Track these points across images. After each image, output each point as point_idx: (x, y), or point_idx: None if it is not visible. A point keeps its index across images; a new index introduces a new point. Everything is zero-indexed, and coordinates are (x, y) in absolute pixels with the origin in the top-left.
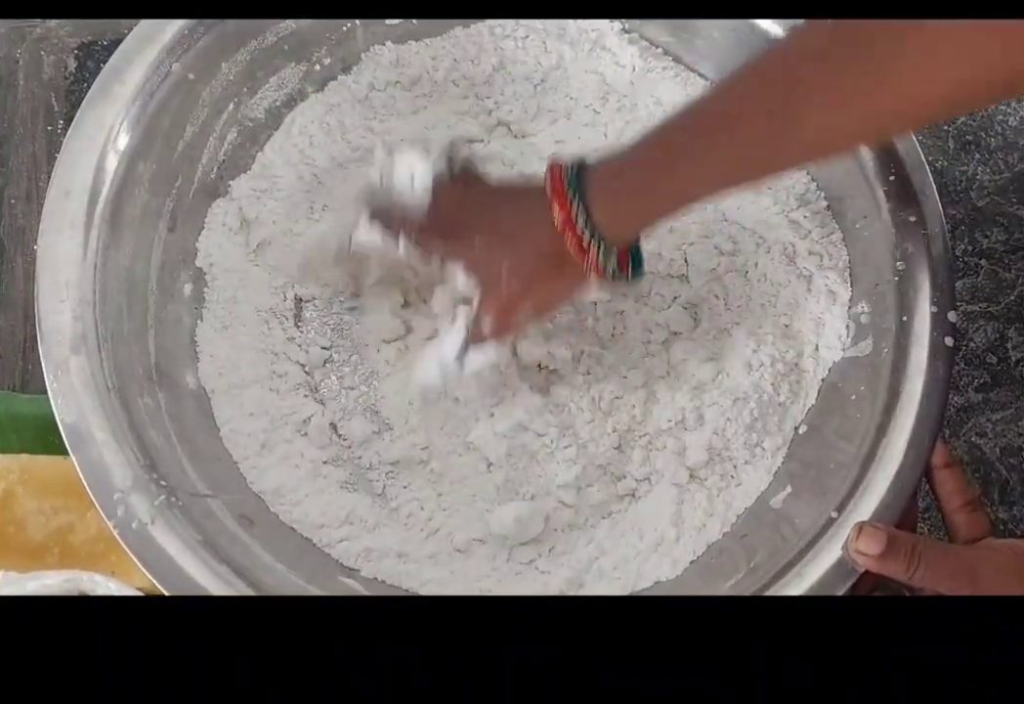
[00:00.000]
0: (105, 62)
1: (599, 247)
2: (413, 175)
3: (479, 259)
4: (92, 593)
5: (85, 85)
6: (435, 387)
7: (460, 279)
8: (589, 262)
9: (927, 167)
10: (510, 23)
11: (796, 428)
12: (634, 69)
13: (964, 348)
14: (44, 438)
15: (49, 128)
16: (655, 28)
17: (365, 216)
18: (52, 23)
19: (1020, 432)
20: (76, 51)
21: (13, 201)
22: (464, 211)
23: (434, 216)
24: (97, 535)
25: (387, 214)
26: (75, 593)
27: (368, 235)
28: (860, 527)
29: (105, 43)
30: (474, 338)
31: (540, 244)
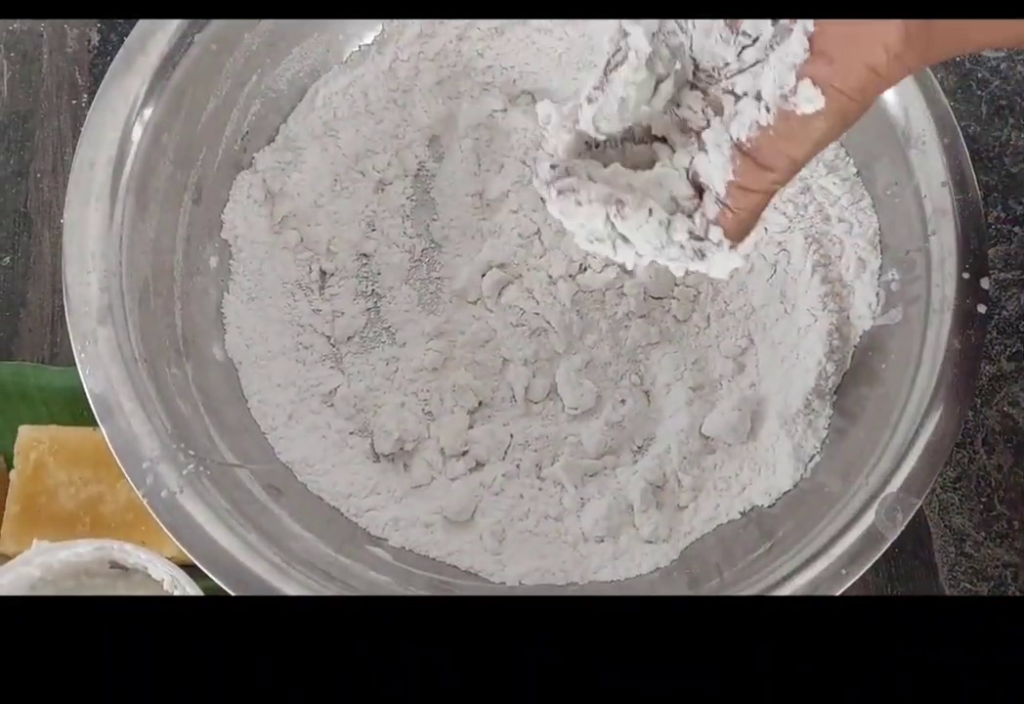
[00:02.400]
0: (128, 35)
1: None
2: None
3: None
4: (123, 562)
5: (108, 58)
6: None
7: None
8: None
9: (959, 131)
10: None
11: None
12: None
13: (997, 316)
14: (73, 409)
15: (73, 102)
16: None
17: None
18: None
19: None
20: (99, 24)
21: (39, 175)
22: None
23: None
24: (127, 505)
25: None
26: (106, 562)
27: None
28: None
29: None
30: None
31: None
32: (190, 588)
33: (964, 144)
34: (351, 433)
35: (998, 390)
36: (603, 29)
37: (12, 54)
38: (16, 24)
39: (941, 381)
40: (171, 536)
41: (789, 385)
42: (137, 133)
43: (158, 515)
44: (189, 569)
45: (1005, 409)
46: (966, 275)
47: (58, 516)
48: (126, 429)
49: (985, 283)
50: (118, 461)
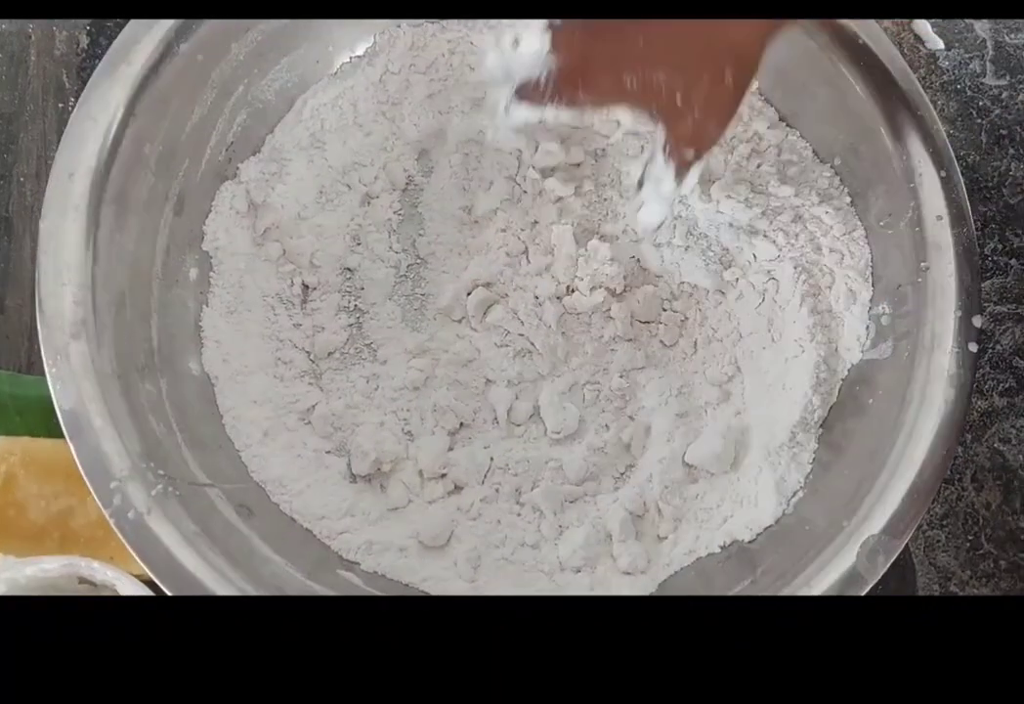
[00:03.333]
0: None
1: None
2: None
3: (648, 81)
4: (91, 579)
5: (97, 62)
6: (662, 221)
7: (629, 119)
8: None
9: (956, 164)
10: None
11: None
12: None
13: (990, 351)
14: (48, 420)
15: (60, 105)
16: None
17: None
18: None
19: None
20: (88, 27)
21: (22, 179)
22: (602, 42)
23: (565, 62)
24: (97, 520)
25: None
26: (74, 578)
27: (516, 116)
28: None
29: (118, 19)
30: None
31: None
32: None
33: (961, 178)
34: (327, 452)
35: (989, 426)
36: None
37: None
38: (4, 25)
39: (928, 421)
40: (137, 558)
41: (774, 416)
42: (117, 143)
43: (124, 536)
44: (158, 587)
45: (996, 446)
46: (958, 313)
47: (27, 530)
48: (95, 447)
49: (977, 321)
50: (86, 480)
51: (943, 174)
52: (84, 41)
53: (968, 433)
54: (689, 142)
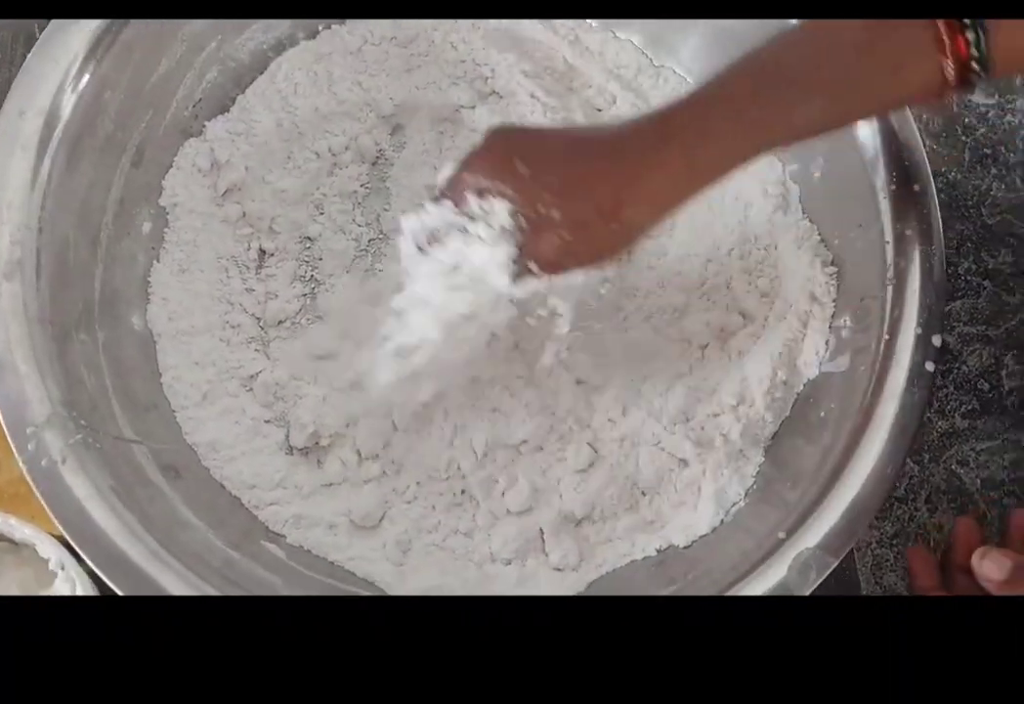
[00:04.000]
0: None
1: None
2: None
3: (530, 199)
4: (9, 536)
5: None
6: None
7: (505, 219)
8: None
9: (933, 180)
10: None
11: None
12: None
13: (956, 371)
14: None
15: (26, 54)
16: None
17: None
18: None
19: (1005, 465)
20: None
21: None
22: (509, 145)
23: (474, 160)
24: (21, 477)
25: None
26: None
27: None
28: (985, 552)
29: None
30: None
31: (612, 184)
32: (73, 570)
33: (935, 194)
34: (266, 421)
35: (948, 447)
36: None
37: None
38: None
39: (875, 438)
40: (46, 507)
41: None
42: (76, 87)
43: (36, 485)
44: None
45: (953, 467)
46: (919, 330)
47: None
48: (17, 391)
49: (937, 340)
50: (3, 424)
51: (916, 188)
52: None
53: (926, 453)
54: (545, 261)
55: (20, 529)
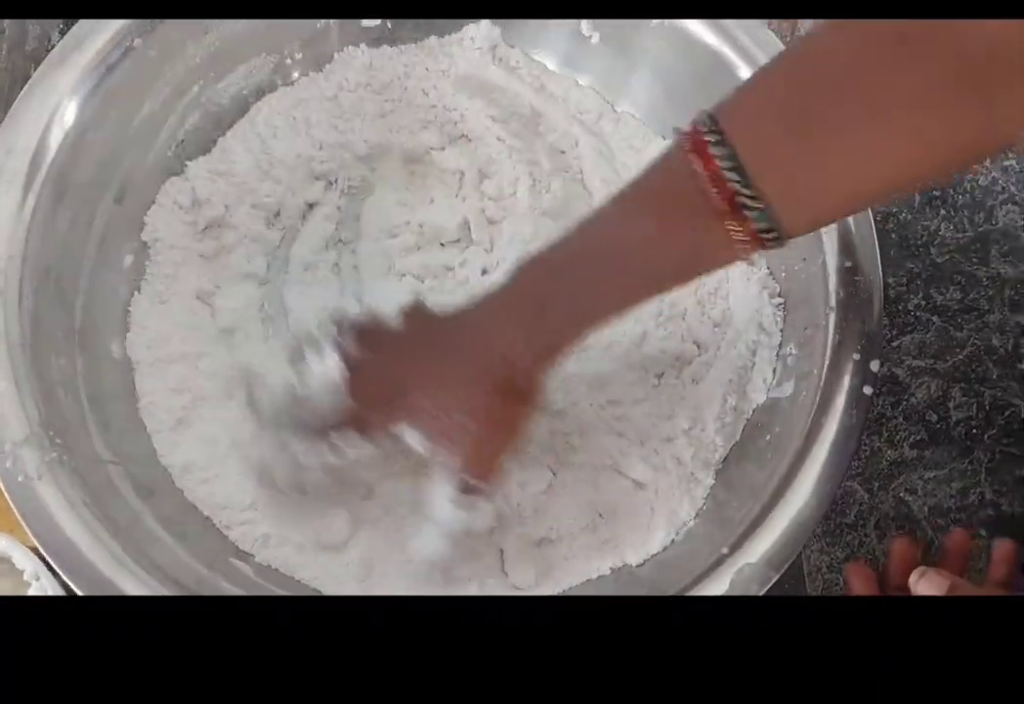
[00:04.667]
0: None
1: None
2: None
3: (430, 419)
4: None
5: None
6: (443, 555)
7: (420, 446)
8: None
9: (870, 215)
10: (482, 33)
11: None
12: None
13: (905, 403)
14: None
15: None
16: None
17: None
18: None
19: (951, 493)
20: (61, 26)
21: None
22: (387, 369)
23: (359, 390)
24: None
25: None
26: None
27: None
28: (922, 572)
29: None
30: (468, 492)
31: (488, 369)
32: (47, 581)
33: (874, 227)
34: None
35: (896, 476)
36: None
37: None
38: None
39: (815, 458)
40: (22, 522)
41: (677, 457)
42: (62, 126)
43: (13, 500)
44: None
45: (901, 495)
46: (856, 356)
47: None
48: None
49: (875, 366)
50: None
51: (856, 224)
52: (55, 39)
53: (875, 481)
54: (480, 472)
55: None
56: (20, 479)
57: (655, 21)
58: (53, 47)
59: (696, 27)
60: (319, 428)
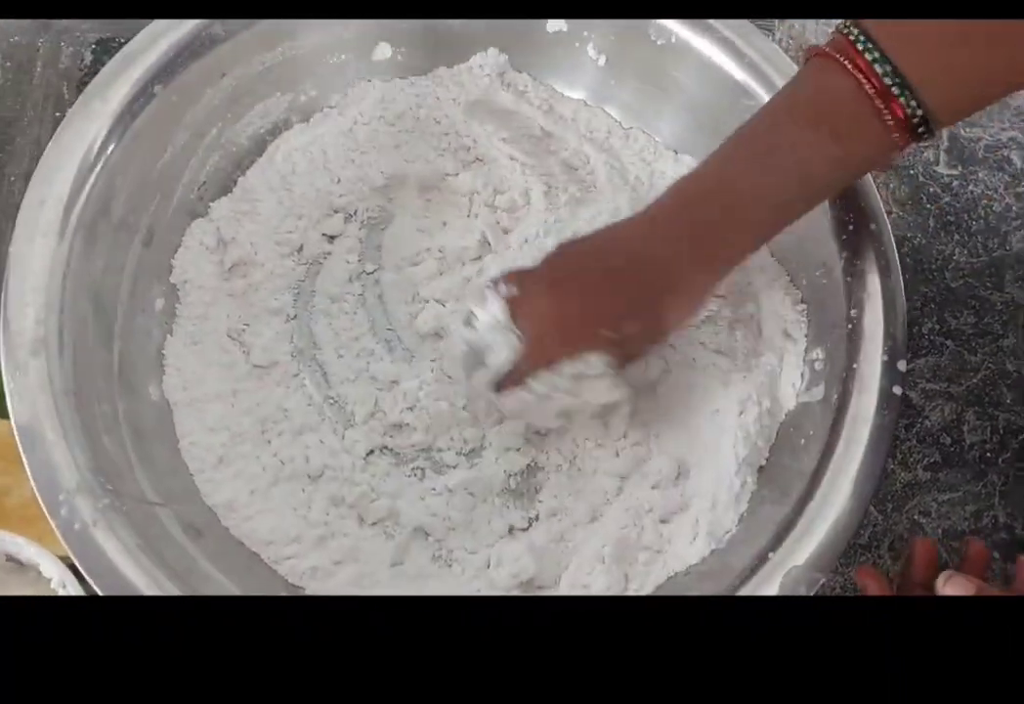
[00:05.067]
0: None
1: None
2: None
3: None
4: (17, 556)
5: None
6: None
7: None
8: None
9: (886, 218)
10: (490, 60)
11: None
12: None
13: (918, 425)
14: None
15: (57, 114)
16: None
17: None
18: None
19: (965, 516)
20: (94, 46)
21: (12, 179)
22: (545, 295)
23: (524, 322)
24: (30, 500)
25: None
26: (2, 554)
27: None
28: (949, 576)
29: (122, 40)
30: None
31: (644, 285)
32: (74, 590)
33: (890, 231)
34: (280, 481)
35: (911, 498)
36: None
37: (8, 63)
38: (16, 36)
39: (851, 459)
40: (81, 569)
41: (720, 465)
42: (90, 175)
43: (70, 546)
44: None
45: (915, 517)
46: (884, 357)
47: None
48: (46, 459)
49: (902, 366)
50: (36, 492)
51: (873, 227)
52: (88, 58)
53: (889, 503)
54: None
55: (27, 549)
56: (76, 527)
57: (661, 40)
58: (85, 66)
59: (720, 59)
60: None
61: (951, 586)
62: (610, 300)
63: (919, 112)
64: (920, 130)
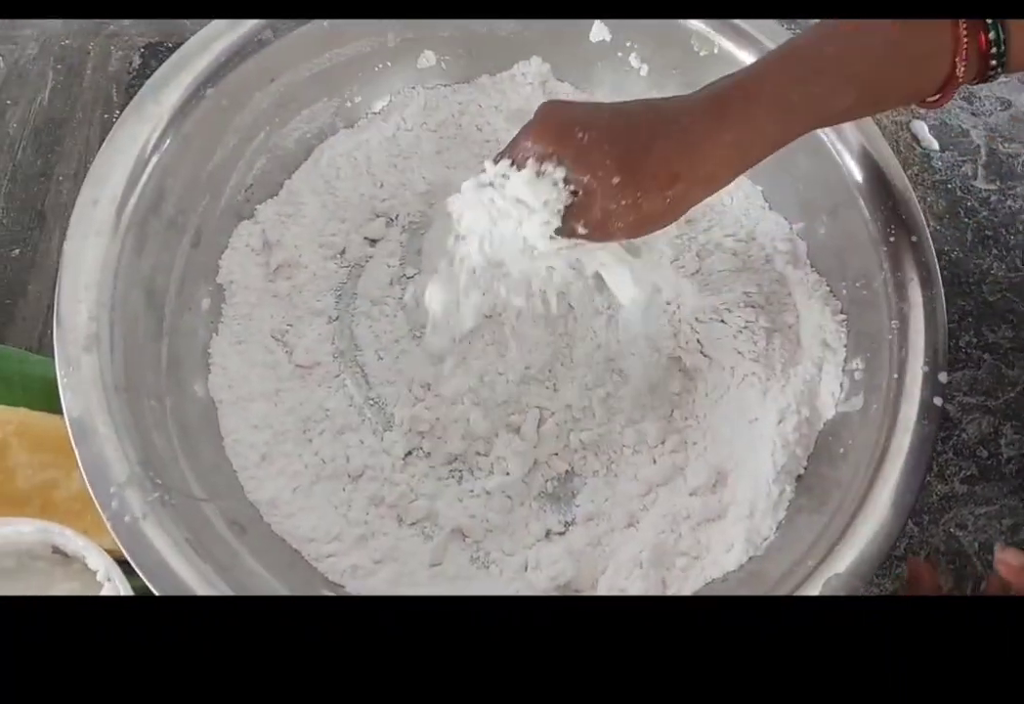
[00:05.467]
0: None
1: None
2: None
3: (584, 151)
4: (63, 548)
5: (145, 81)
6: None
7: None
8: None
9: (927, 230)
10: (533, 69)
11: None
12: None
13: (955, 438)
14: (48, 397)
15: (105, 116)
16: None
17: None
18: (125, 22)
19: (1002, 530)
20: (142, 49)
21: (61, 178)
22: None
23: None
24: (78, 494)
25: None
26: (49, 546)
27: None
28: (1003, 547)
29: (170, 45)
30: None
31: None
32: (119, 582)
33: (931, 243)
34: (322, 479)
35: (947, 510)
36: None
37: (59, 66)
38: (67, 40)
39: (892, 468)
40: (130, 560)
41: (758, 471)
42: (141, 177)
43: (120, 539)
44: (125, 565)
45: (952, 530)
46: (925, 368)
47: (11, 495)
48: (98, 453)
49: (943, 377)
50: (87, 484)
51: (914, 239)
52: (136, 61)
53: (926, 515)
54: (595, 226)
55: (74, 540)
56: (127, 519)
57: (704, 51)
58: (134, 69)
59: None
60: None
61: (1010, 554)
62: (625, 132)
63: (1003, 44)
64: (992, 62)
